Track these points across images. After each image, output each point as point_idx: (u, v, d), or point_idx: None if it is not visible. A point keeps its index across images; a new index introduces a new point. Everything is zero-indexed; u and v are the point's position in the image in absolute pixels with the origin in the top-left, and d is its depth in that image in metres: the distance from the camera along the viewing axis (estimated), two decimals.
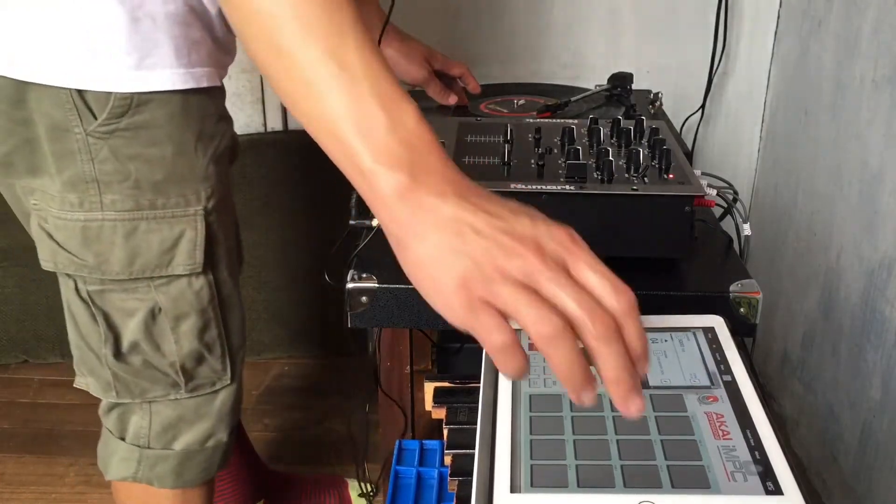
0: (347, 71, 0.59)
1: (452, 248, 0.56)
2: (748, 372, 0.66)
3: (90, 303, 0.97)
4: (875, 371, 1.42)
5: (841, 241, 1.56)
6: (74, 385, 1.08)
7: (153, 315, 0.98)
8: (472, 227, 0.56)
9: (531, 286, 0.54)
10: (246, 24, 0.62)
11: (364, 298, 0.93)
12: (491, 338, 0.53)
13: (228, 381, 1.07)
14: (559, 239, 0.56)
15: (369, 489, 1.66)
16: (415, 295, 0.93)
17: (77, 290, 0.97)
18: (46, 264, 0.97)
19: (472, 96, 1.47)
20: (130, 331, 0.99)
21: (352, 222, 0.99)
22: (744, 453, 0.56)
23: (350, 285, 0.93)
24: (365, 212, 1.00)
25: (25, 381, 2.07)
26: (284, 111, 1.97)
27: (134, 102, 0.88)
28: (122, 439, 1.08)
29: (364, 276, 0.93)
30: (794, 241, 1.78)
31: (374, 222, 0.97)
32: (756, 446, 0.57)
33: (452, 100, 1.42)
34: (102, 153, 0.89)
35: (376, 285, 0.93)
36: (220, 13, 0.93)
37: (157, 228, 0.94)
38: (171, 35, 0.87)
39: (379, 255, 0.97)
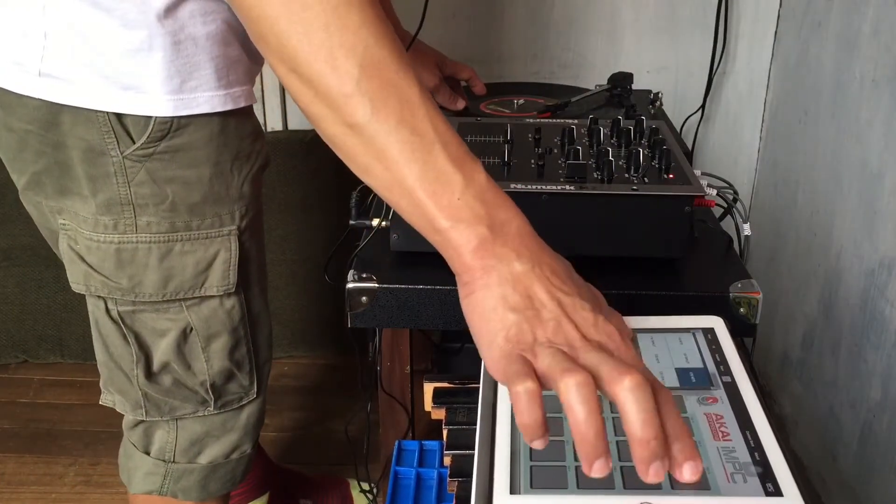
0: (419, 137, 0.61)
1: (513, 306, 0.59)
2: (748, 372, 0.66)
3: (121, 323, 0.96)
4: (875, 371, 1.42)
5: (841, 241, 1.56)
6: (100, 402, 1.06)
7: (185, 335, 0.97)
8: (536, 296, 0.59)
9: (570, 354, 0.56)
10: (314, 105, 0.63)
11: (364, 298, 0.93)
12: (517, 383, 0.54)
13: (255, 396, 1.07)
14: (608, 331, 0.59)
15: (370, 488, 1.66)
16: (415, 295, 0.94)
17: (108, 310, 0.96)
18: (77, 287, 0.95)
19: (472, 96, 1.47)
20: (162, 351, 0.97)
21: (352, 222, 0.99)
22: (743, 454, 0.56)
23: (350, 285, 0.93)
24: (365, 212, 1.00)
25: (25, 381, 2.07)
26: (284, 111, 1.97)
27: (174, 126, 0.86)
28: (147, 453, 1.07)
29: (364, 276, 0.93)
30: (794, 241, 1.78)
31: (374, 222, 0.97)
32: (756, 447, 0.57)
33: (461, 105, 1.42)
34: (139, 176, 0.88)
35: (376, 285, 0.93)
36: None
37: (191, 250, 0.92)
38: (212, 56, 0.85)
39: (379, 255, 0.97)
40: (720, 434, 0.59)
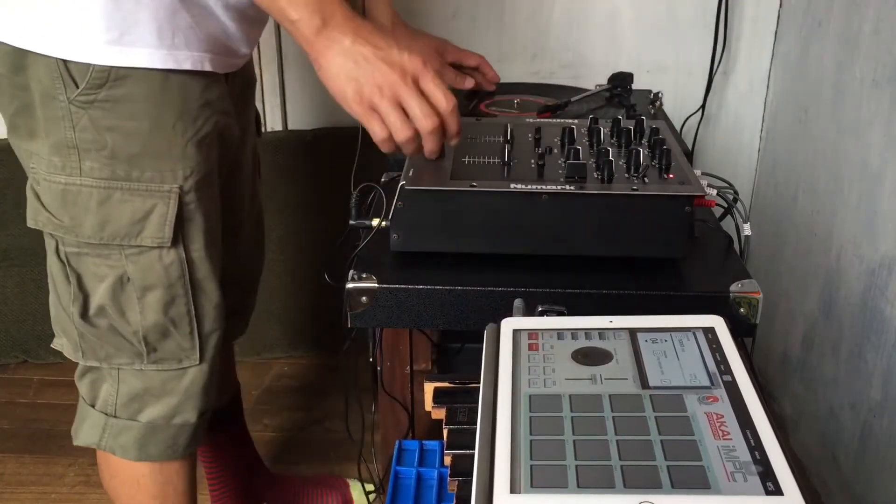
0: None
1: (349, 71, 0.89)
2: (748, 372, 0.66)
3: (66, 263, 1.03)
4: (875, 371, 1.42)
5: (841, 241, 1.56)
6: (52, 345, 1.13)
7: (122, 282, 1.03)
8: (363, 56, 0.89)
9: (397, 99, 0.89)
10: None
11: (364, 298, 0.93)
12: (376, 133, 0.91)
13: (197, 362, 1.09)
14: (415, 64, 0.89)
15: (372, 489, 1.66)
16: (415, 295, 0.94)
17: (57, 250, 1.03)
18: (30, 222, 1.04)
19: (472, 96, 1.47)
20: (99, 295, 1.03)
21: (352, 222, 0.99)
22: (744, 453, 0.56)
23: (350, 285, 0.93)
24: (365, 212, 1.00)
25: (25, 381, 2.07)
26: (284, 111, 1.97)
27: (112, 76, 0.94)
28: (93, 406, 1.13)
29: (364, 276, 0.93)
30: (794, 241, 1.78)
31: (374, 222, 0.97)
32: (756, 446, 0.57)
33: (469, 83, 1.43)
34: (83, 122, 0.95)
35: (376, 285, 0.93)
36: (226, 6, 0.98)
37: (129, 199, 0.98)
38: (155, 17, 0.93)
39: (379, 255, 0.97)
40: (720, 433, 0.59)
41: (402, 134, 0.90)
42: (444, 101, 0.90)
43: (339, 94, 0.90)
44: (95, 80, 0.93)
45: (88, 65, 0.93)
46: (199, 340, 1.09)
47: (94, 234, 1.00)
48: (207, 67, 0.99)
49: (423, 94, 0.89)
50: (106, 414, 1.12)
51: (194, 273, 1.05)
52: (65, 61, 0.93)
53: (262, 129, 1.08)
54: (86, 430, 1.14)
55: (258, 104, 2.00)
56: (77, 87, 0.94)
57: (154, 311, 1.04)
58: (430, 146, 0.93)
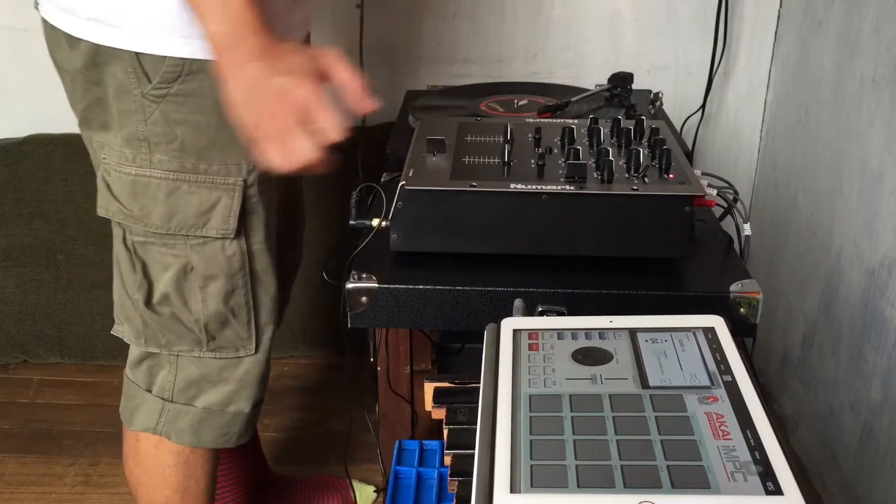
0: None
1: (247, 99, 0.87)
2: (748, 372, 0.66)
3: (133, 252, 1.06)
4: (875, 371, 1.42)
5: (841, 241, 1.56)
6: (112, 332, 1.15)
7: (185, 272, 1.05)
8: (258, 86, 0.87)
9: (283, 130, 0.87)
10: None
11: (364, 298, 0.93)
12: (273, 161, 0.89)
13: (253, 352, 1.12)
14: (307, 90, 0.86)
15: (373, 489, 1.66)
16: (415, 295, 0.94)
17: (124, 239, 1.07)
18: (100, 211, 1.07)
19: (472, 95, 1.47)
20: (163, 283, 1.06)
21: (352, 222, 0.99)
22: (744, 453, 0.56)
23: (350, 285, 0.93)
24: (365, 212, 1.00)
25: (25, 381, 2.07)
26: None
27: (185, 70, 0.96)
28: (149, 391, 1.14)
29: (364, 276, 0.93)
30: (794, 241, 1.78)
31: (374, 222, 0.97)
32: (756, 446, 0.57)
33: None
34: (154, 115, 0.98)
35: (376, 285, 0.93)
36: None
37: (196, 191, 1.02)
38: None
39: (379, 255, 0.97)
40: (721, 433, 0.59)
41: (282, 167, 0.89)
42: (327, 134, 0.88)
43: (240, 120, 0.89)
44: (168, 74, 0.96)
45: (162, 58, 0.96)
46: (256, 331, 1.12)
47: (161, 224, 1.03)
48: None
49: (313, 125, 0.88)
50: (163, 399, 1.13)
51: (254, 264, 1.08)
52: (138, 55, 0.96)
53: None
54: (142, 415, 1.15)
55: None
56: (150, 82, 0.97)
57: (215, 300, 1.07)
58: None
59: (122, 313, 1.13)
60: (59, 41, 1.00)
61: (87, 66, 0.99)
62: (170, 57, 0.96)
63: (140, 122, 0.99)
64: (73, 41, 0.98)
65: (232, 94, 0.88)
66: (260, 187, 1.05)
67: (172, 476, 1.17)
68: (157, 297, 1.07)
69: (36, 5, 1.03)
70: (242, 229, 1.05)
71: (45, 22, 1.02)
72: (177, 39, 0.95)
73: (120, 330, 1.15)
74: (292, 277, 1.41)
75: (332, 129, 0.87)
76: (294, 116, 0.86)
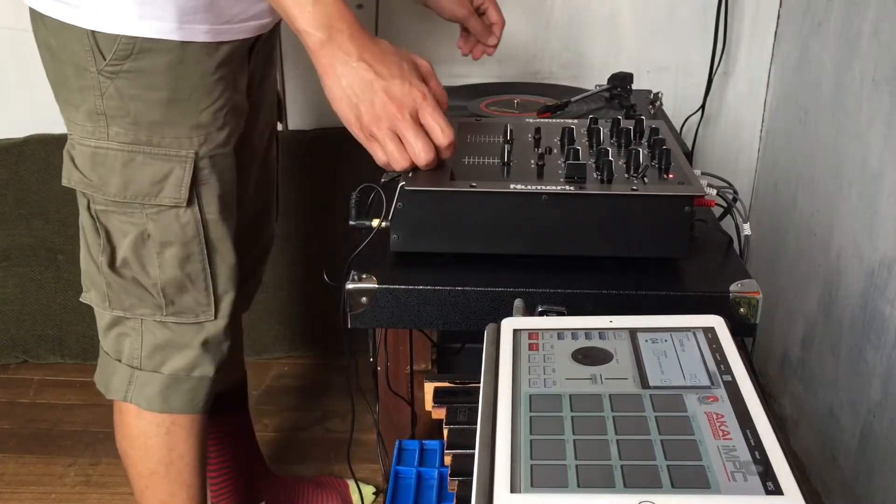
0: None
1: (350, 96, 0.92)
2: (748, 372, 0.66)
3: (96, 218, 1.13)
4: (875, 371, 1.42)
5: (841, 241, 1.56)
6: (80, 300, 1.20)
7: (143, 238, 1.12)
8: (364, 81, 0.91)
9: (395, 131, 0.92)
10: None
11: (364, 299, 0.93)
12: (377, 157, 0.95)
13: (212, 317, 1.17)
14: (415, 97, 0.92)
15: (373, 489, 1.66)
16: (415, 295, 0.94)
17: (88, 207, 1.13)
18: (64, 181, 1.13)
19: (472, 96, 1.47)
20: (124, 248, 1.12)
21: (352, 222, 0.99)
22: (744, 453, 0.56)
23: (350, 286, 0.93)
24: (365, 212, 1.00)
25: (25, 381, 2.07)
26: (284, 111, 1.97)
27: (136, 48, 1.02)
28: (119, 360, 1.19)
29: (364, 276, 0.93)
30: (794, 241, 1.78)
31: (374, 222, 0.97)
32: (756, 446, 0.57)
33: (492, 42, 1.42)
34: (109, 90, 1.04)
35: (376, 286, 0.93)
36: None
37: (150, 162, 1.07)
38: None
39: (379, 255, 0.97)
40: (721, 433, 0.59)
41: (398, 164, 0.94)
42: (441, 135, 0.93)
43: (342, 116, 0.94)
44: (121, 51, 1.02)
45: (115, 37, 1.01)
46: (215, 297, 1.16)
47: (118, 192, 1.08)
48: (224, 38, 1.06)
49: (422, 126, 0.93)
50: (132, 367, 1.18)
51: (209, 234, 1.13)
52: (94, 34, 1.01)
53: (239, 84, 1.12)
54: (115, 384, 1.20)
55: None
56: (105, 59, 1.02)
57: (171, 266, 1.12)
58: (425, 170, 0.97)
59: (88, 279, 1.18)
60: (36, 22, 1.07)
61: (55, 45, 1.05)
62: (122, 35, 1.01)
63: (97, 97, 1.05)
64: (41, 19, 1.05)
65: (333, 91, 0.93)
66: (212, 160, 1.10)
67: (155, 447, 1.21)
68: (119, 260, 1.13)
69: None
70: (196, 199, 1.10)
71: (30, 9, 1.07)
72: (130, 19, 1.00)
73: (87, 297, 1.19)
74: (264, 258, 1.43)
75: (442, 131, 0.92)
76: (406, 119, 0.92)
